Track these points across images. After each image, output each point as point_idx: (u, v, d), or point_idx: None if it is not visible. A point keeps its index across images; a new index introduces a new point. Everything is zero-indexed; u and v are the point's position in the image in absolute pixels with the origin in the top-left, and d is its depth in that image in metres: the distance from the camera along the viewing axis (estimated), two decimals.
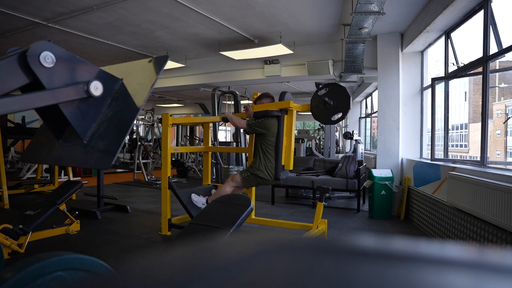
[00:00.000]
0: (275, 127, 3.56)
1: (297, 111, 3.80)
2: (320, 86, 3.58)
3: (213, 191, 4.30)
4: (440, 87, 4.80)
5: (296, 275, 0.24)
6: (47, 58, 1.09)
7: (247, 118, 3.87)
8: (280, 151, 3.55)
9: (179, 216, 4.44)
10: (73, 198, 5.96)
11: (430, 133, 5.21)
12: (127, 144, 12.04)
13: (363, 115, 10.90)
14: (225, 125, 9.55)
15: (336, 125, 8.05)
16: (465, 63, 4.08)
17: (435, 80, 4.80)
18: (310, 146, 10.86)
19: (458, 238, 3.47)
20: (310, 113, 3.68)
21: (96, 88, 1.20)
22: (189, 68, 7.92)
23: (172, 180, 4.06)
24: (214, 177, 7.97)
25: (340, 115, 3.43)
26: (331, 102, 3.44)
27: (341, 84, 3.53)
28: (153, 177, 8.77)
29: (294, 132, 3.53)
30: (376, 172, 5.16)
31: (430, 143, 5.12)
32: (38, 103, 1.10)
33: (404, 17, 4.97)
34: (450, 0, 3.62)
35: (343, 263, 0.25)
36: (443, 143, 4.52)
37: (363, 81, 7.95)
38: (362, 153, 8.27)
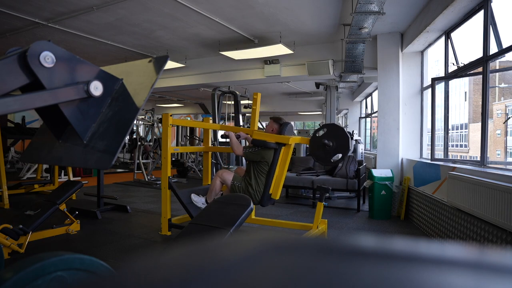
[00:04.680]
0: (270, 157, 3.68)
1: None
2: (319, 126, 3.69)
3: None
4: (440, 87, 4.80)
5: (296, 275, 0.24)
6: (47, 58, 1.09)
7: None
8: (270, 180, 3.64)
9: (179, 216, 4.44)
10: (73, 198, 5.96)
11: (430, 133, 5.20)
12: (127, 144, 12.04)
13: (363, 115, 10.90)
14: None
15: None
16: (465, 63, 4.08)
17: (435, 80, 4.80)
18: None
19: (458, 238, 3.46)
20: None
21: (96, 88, 1.20)
22: (189, 68, 7.92)
23: (172, 180, 4.06)
24: None
25: (339, 156, 3.51)
26: (330, 143, 3.51)
27: (339, 124, 3.63)
28: (153, 177, 8.77)
29: (288, 163, 3.69)
30: (376, 172, 5.16)
31: (430, 143, 5.12)
32: (38, 103, 1.10)
33: (404, 17, 4.97)
34: (450, 0, 3.62)
35: (343, 263, 0.25)
36: (443, 143, 4.52)
37: (363, 81, 7.95)
38: (362, 153, 8.26)
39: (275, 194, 3.67)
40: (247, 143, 4.16)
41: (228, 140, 4.11)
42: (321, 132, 3.63)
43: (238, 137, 4.14)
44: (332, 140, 3.52)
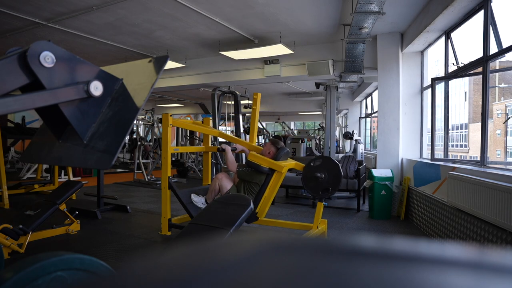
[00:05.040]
0: (262, 180, 3.72)
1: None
2: (314, 158, 3.77)
3: None
4: (440, 87, 4.80)
5: (296, 275, 0.24)
6: (47, 58, 1.09)
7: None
8: (258, 201, 3.66)
9: (179, 216, 4.44)
10: (73, 198, 5.96)
11: (430, 133, 5.21)
12: (127, 144, 12.03)
13: (363, 115, 10.91)
14: (225, 125, 9.55)
15: (336, 124, 8.06)
16: (465, 63, 4.08)
17: (435, 80, 4.80)
18: (310, 146, 10.86)
19: (458, 238, 3.46)
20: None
21: (96, 88, 1.20)
22: (189, 68, 7.92)
23: (172, 180, 4.06)
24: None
25: (329, 190, 3.60)
26: (322, 176, 3.60)
27: (334, 159, 3.71)
28: (153, 177, 8.77)
29: (278, 187, 3.74)
30: (376, 172, 5.16)
31: (430, 143, 5.12)
32: (38, 103, 1.10)
33: (404, 17, 4.97)
34: (450, 0, 3.62)
35: (343, 263, 0.25)
36: (443, 143, 4.52)
37: (363, 81, 7.95)
38: (362, 153, 8.27)
39: (261, 214, 3.72)
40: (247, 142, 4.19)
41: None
42: (316, 163, 3.71)
43: (234, 149, 4.16)
44: (325, 173, 3.61)
